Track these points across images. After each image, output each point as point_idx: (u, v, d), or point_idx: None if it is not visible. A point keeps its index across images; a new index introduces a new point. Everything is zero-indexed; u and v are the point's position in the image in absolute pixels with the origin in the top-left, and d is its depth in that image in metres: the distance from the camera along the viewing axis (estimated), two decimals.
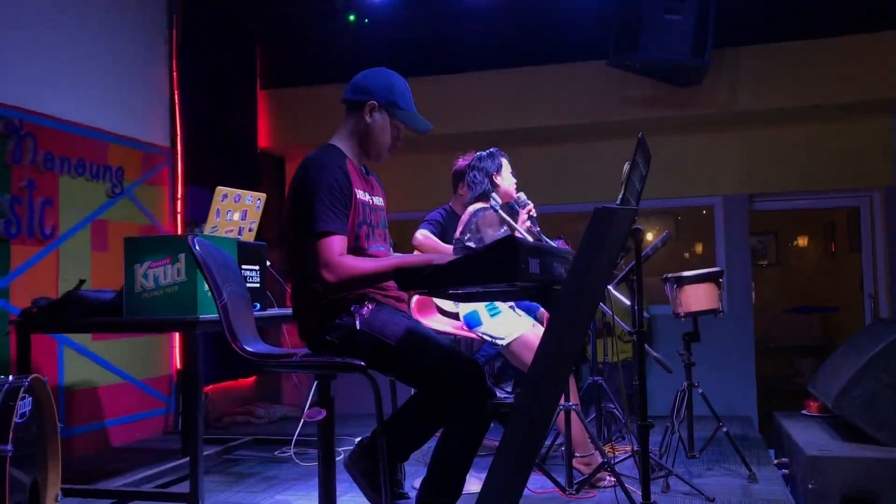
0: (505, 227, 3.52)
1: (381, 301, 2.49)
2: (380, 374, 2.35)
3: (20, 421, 2.68)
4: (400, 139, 2.64)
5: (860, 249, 6.44)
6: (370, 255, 2.50)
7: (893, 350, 3.77)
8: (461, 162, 4.37)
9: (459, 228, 3.71)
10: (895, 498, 3.43)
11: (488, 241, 3.39)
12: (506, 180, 3.78)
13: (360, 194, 2.51)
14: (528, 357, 3.49)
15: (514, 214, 3.69)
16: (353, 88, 2.61)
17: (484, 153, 3.83)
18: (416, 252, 4.13)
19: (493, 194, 3.62)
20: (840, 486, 3.52)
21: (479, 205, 3.73)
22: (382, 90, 2.56)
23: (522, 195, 3.76)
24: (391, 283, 2.46)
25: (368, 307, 2.42)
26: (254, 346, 2.41)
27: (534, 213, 3.68)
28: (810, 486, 3.56)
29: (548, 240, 3.64)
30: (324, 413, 2.35)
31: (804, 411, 4.62)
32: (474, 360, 2.39)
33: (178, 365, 5.54)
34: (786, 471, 4.08)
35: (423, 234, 4.25)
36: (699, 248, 8.59)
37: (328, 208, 2.37)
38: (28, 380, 2.74)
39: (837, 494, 3.52)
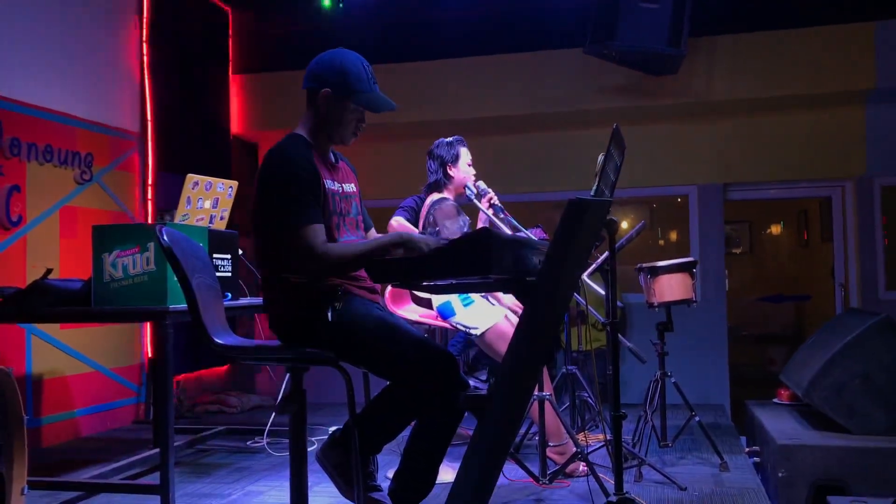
0: (462, 219, 3.49)
1: (354, 293, 2.46)
2: (352, 366, 2.33)
3: None
4: (363, 121, 2.55)
5: (832, 239, 6.51)
6: None
7: (863, 340, 3.81)
8: None
9: (420, 223, 3.67)
10: (864, 485, 3.48)
11: (447, 234, 3.36)
12: (462, 170, 3.74)
13: (329, 184, 2.46)
14: (502, 347, 3.48)
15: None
16: (308, 76, 2.52)
17: (445, 140, 3.79)
18: None
19: (469, 185, 3.60)
20: (810, 475, 3.56)
21: (435, 196, 3.70)
22: (334, 76, 2.46)
23: (482, 184, 3.72)
24: (364, 274, 2.43)
25: (341, 299, 2.39)
26: (224, 338, 2.37)
27: (495, 201, 3.65)
28: (781, 475, 3.59)
29: (523, 228, 3.63)
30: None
31: (776, 400, 4.68)
32: (447, 352, 2.37)
33: (150, 353, 5.47)
34: (757, 459, 4.12)
35: (397, 222, 4.21)
36: (673, 236, 8.63)
37: (299, 199, 2.33)
38: None
39: (808, 482, 3.56)
